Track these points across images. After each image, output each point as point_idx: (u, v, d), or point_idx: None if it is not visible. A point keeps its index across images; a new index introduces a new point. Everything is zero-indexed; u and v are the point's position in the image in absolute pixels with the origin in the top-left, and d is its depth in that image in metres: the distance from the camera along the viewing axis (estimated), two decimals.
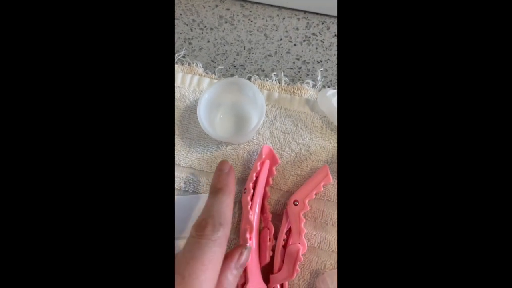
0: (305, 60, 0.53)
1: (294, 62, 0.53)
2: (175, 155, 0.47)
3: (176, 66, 0.52)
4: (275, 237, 0.42)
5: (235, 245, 0.43)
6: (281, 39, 0.55)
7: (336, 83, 0.51)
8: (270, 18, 0.56)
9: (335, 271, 0.40)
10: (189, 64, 0.52)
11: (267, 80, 0.51)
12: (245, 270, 0.39)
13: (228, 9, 0.57)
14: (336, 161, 0.46)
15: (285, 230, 0.41)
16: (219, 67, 0.53)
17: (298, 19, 0.56)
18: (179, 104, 0.49)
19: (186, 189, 0.46)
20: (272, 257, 0.41)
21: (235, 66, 0.54)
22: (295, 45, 0.54)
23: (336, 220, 0.43)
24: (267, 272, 0.41)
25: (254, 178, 0.42)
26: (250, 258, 0.39)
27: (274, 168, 0.44)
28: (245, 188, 0.43)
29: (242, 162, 0.46)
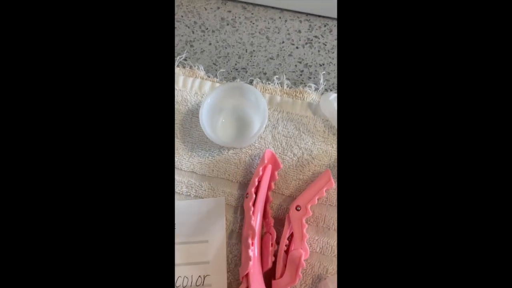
0: (307, 63, 0.53)
1: (296, 65, 0.53)
2: (177, 159, 0.47)
3: (177, 69, 0.52)
4: (277, 242, 0.42)
5: (238, 250, 0.43)
6: (283, 42, 0.55)
7: None
8: (272, 20, 0.56)
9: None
10: (190, 67, 0.52)
11: (269, 84, 0.50)
12: (247, 276, 0.39)
13: (230, 11, 0.57)
14: None
15: (287, 236, 0.41)
16: (221, 70, 0.53)
17: (300, 21, 0.56)
18: (181, 107, 0.49)
19: (188, 193, 0.46)
20: (274, 263, 0.41)
21: (237, 69, 0.53)
22: (297, 47, 0.54)
23: None
24: (269, 277, 0.41)
25: (256, 183, 0.42)
26: (252, 263, 0.39)
27: (276, 173, 0.43)
28: (247, 193, 0.43)
29: (244, 166, 0.46)
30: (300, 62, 0.53)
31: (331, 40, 0.54)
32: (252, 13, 0.57)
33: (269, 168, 0.43)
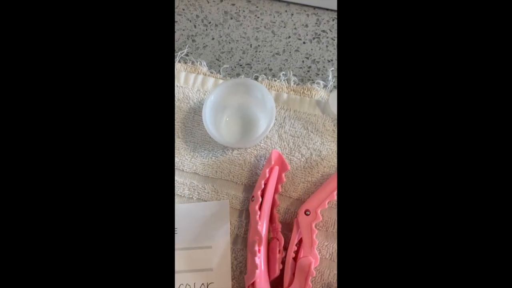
0: (315, 59, 0.51)
1: (303, 61, 0.51)
2: (179, 160, 0.45)
3: (179, 64, 0.49)
4: (285, 248, 0.40)
5: (243, 256, 0.41)
6: (289, 37, 0.52)
7: None
8: (278, 14, 0.53)
9: None
10: (192, 62, 0.49)
11: (275, 80, 0.48)
12: (253, 284, 0.37)
13: (233, 5, 0.54)
14: None
15: (295, 241, 0.39)
16: (224, 66, 0.50)
17: (308, 15, 0.53)
18: (182, 105, 0.47)
19: (190, 196, 0.43)
20: (282, 270, 0.38)
21: (241, 65, 0.51)
22: (304, 43, 0.52)
23: None
24: (276, 286, 0.39)
25: (263, 186, 0.40)
26: (259, 271, 0.37)
27: (283, 175, 0.41)
28: (253, 196, 0.40)
29: (249, 168, 0.44)
30: (307, 58, 0.51)
31: None
32: (257, 7, 0.54)
33: (276, 169, 0.41)
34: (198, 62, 0.49)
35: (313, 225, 0.38)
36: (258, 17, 0.54)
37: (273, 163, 0.41)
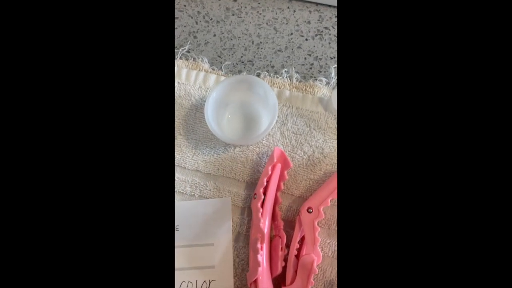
0: (317, 56, 0.50)
1: (305, 58, 0.50)
2: (180, 157, 0.44)
3: (180, 61, 0.49)
4: (287, 246, 0.40)
5: (245, 254, 0.41)
6: (291, 33, 0.52)
7: None
8: (280, 10, 0.53)
9: None
10: (194, 59, 0.49)
11: (277, 77, 0.48)
12: (255, 282, 0.37)
13: (235, 1, 0.54)
14: None
15: (298, 239, 0.39)
16: (226, 62, 0.50)
17: (310, 11, 0.53)
18: (184, 102, 0.47)
19: (192, 193, 0.43)
20: (284, 268, 0.38)
21: (243, 62, 0.51)
22: (306, 39, 0.51)
23: None
24: (278, 283, 0.39)
25: (265, 183, 0.40)
26: (261, 269, 0.36)
27: (285, 172, 0.41)
28: (255, 194, 0.40)
29: (251, 165, 0.44)
30: (309, 55, 0.51)
31: None
32: (259, 3, 0.54)
33: (278, 167, 0.41)
34: (200, 59, 0.49)
35: (316, 223, 0.38)
36: (260, 14, 0.53)
37: (275, 160, 0.40)
